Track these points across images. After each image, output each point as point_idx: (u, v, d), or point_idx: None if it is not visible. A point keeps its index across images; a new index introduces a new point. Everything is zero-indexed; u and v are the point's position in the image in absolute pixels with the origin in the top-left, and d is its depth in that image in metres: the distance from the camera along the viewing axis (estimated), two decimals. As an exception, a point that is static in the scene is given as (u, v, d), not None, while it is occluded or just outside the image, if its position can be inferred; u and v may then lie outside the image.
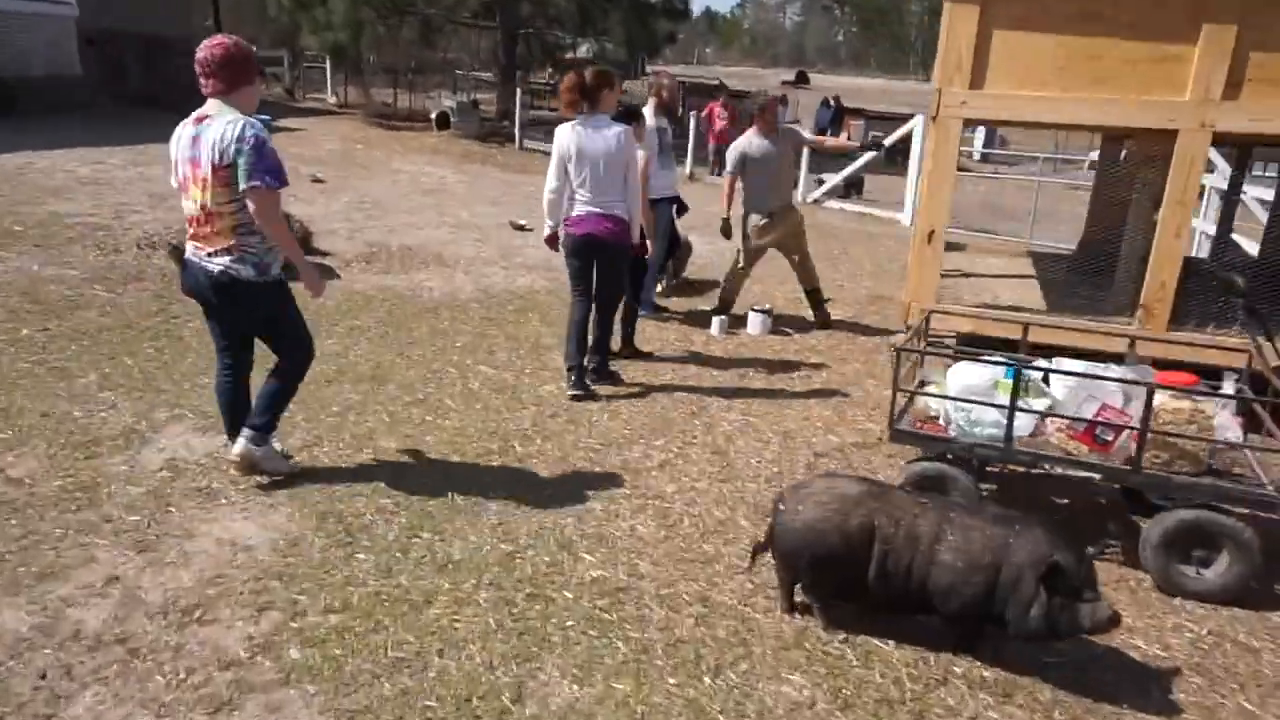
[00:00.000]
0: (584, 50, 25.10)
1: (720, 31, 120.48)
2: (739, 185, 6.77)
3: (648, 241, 5.22)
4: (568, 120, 5.01)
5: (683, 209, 6.82)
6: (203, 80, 3.50)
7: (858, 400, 5.39)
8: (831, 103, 29.25)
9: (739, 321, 6.82)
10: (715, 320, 6.56)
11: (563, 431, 4.62)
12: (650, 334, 6.34)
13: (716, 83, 29.89)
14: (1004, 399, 3.59)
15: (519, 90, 20.32)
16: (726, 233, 6.84)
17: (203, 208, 3.48)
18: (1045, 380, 3.87)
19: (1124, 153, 6.27)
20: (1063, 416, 3.67)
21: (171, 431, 4.26)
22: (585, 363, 5.25)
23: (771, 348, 6.37)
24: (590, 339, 5.25)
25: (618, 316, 5.49)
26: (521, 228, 10.30)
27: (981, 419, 3.71)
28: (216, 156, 3.39)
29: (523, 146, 19.35)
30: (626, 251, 5.05)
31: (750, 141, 6.72)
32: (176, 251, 3.80)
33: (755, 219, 6.77)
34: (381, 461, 4.11)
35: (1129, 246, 5.53)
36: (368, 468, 4.04)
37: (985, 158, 25.12)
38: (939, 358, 4.67)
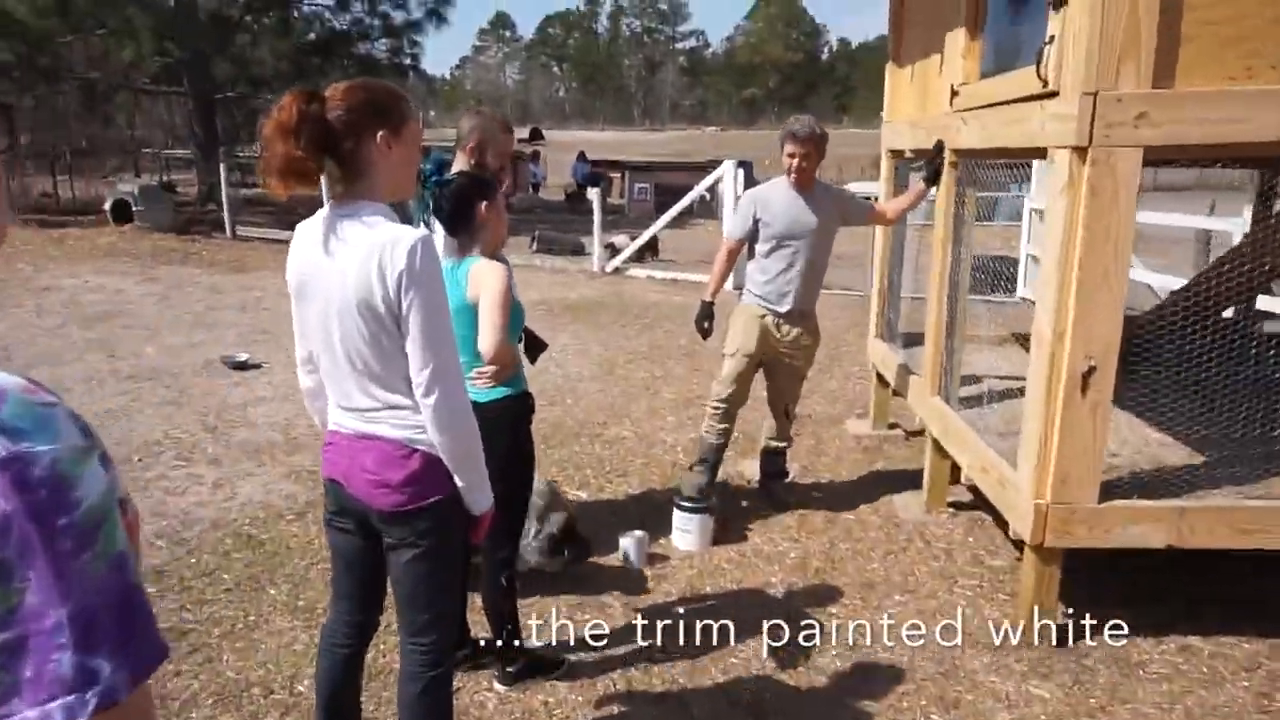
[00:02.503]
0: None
1: (441, 94, 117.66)
2: (739, 259, 4.28)
3: (480, 510, 1.96)
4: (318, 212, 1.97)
5: (535, 347, 3.76)
6: None
7: None
8: (587, 157, 27.45)
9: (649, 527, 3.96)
10: (627, 542, 3.66)
11: None
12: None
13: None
14: None
15: (223, 166, 16.28)
16: (705, 328, 4.10)
17: None
18: None
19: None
20: None
21: None
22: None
23: (737, 580, 3.57)
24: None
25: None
26: (243, 365, 6.83)
27: None
28: None
29: (235, 235, 15.35)
30: (434, 530, 1.92)
31: (774, 193, 4.04)
32: None
33: (751, 310, 4.08)
34: None
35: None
36: None
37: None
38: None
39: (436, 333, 1.78)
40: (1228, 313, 4.64)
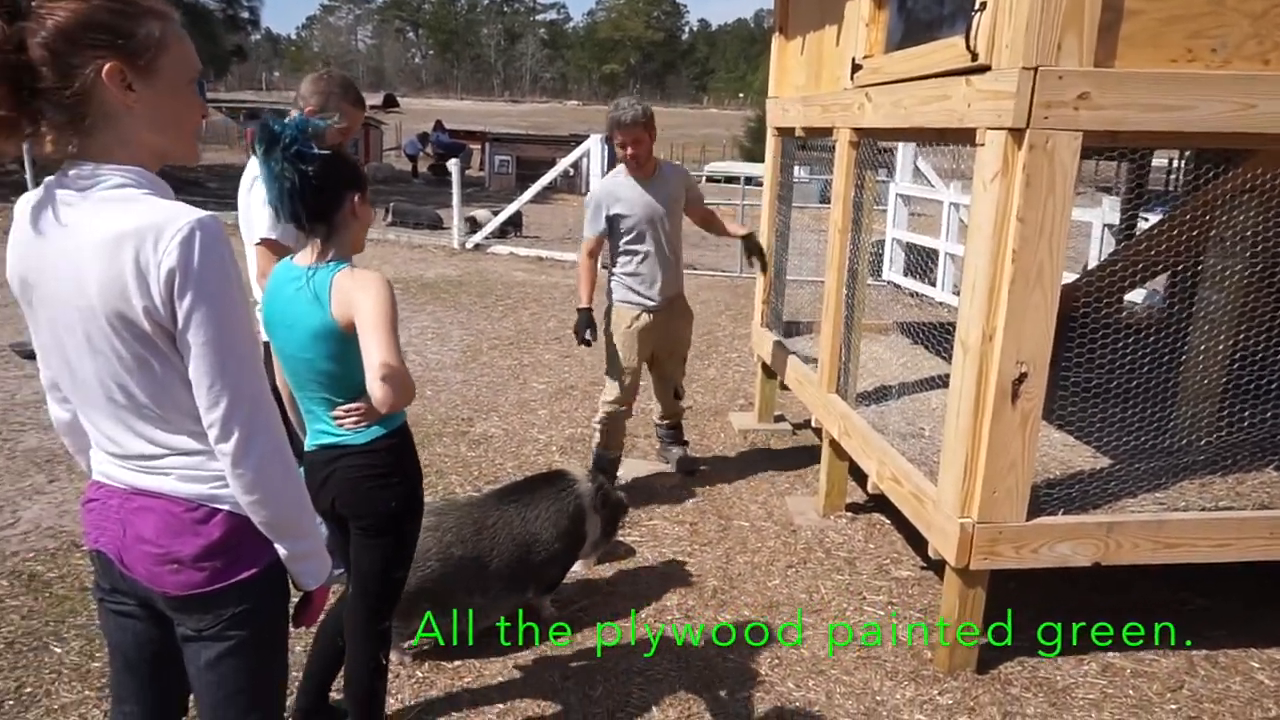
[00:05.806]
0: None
1: (286, 55, 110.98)
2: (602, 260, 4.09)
3: (312, 585, 1.47)
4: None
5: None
6: None
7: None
8: (445, 127, 26.29)
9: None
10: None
11: None
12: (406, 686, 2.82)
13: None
14: None
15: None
16: (585, 337, 3.92)
17: None
18: None
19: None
20: None
21: None
22: None
23: (630, 608, 3.19)
24: None
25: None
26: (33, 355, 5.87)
27: None
28: None
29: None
30: (248, 616, 1.40)
31: (619, 185, 3.89)
32: None
33: (626, 315, 3.93)
34: None
35: (1208, 345, 3.24)
36: None
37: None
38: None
39: (231, 353, 1.26)
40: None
